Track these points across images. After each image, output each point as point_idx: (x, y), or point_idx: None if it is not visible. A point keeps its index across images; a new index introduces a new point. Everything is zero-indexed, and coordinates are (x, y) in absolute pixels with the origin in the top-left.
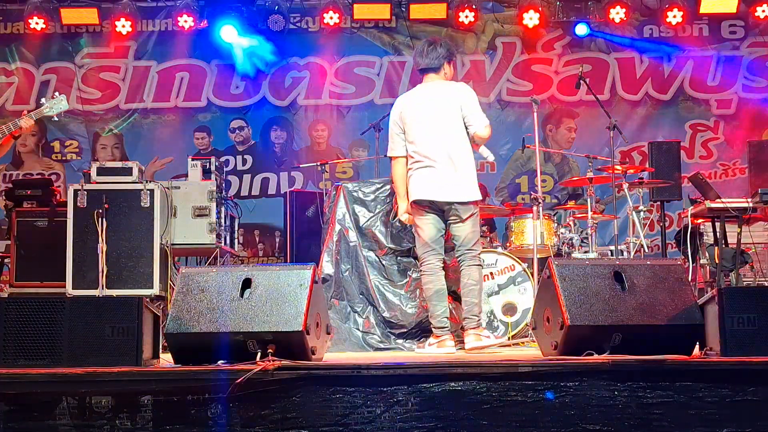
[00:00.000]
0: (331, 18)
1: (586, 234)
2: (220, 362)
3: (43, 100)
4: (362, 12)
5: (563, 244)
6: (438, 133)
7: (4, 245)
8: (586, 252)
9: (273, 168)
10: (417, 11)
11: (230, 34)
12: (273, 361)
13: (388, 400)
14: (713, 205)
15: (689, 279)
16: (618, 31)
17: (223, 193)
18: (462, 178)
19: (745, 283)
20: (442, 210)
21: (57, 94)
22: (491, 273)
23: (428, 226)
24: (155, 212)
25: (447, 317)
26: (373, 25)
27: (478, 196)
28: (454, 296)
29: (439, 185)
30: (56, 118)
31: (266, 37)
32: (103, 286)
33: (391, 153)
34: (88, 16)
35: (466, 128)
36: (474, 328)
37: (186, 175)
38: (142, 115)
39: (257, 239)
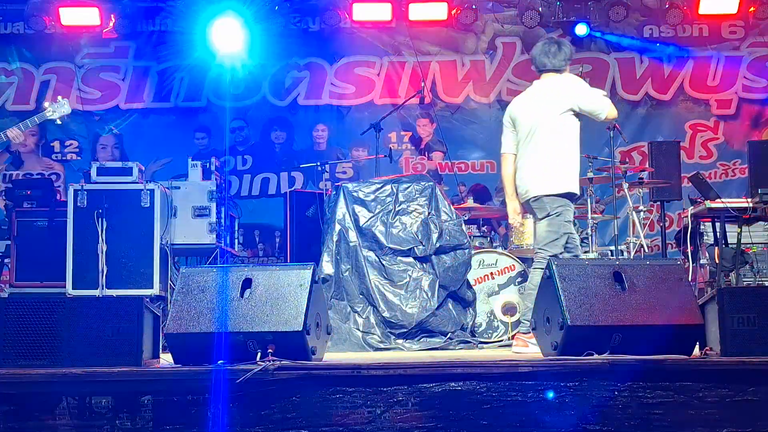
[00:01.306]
0: (331, 18)
1: (586, 234)
2: (220, 362)
3: (46, 103)
4: (362, 12)
5: None
6: (531, 133)
7: (4, 245)
8: (586, 252)
9: (273, 168)
10: (417, 11)
11: (226, 33)
12: (273, 361)
13: (388, 400)
14: (713, 205)
15: (689, 279)
16: (618, 31)
17: (223, 193)
18: (539, 173)
19: (745, 283)
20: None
21: (60, 98)
22: (491, 273)
23: (529, 232)
24: (155, 212)
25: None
26: (373, 25)
27: (549, 190)
28: (454, 297)
29: (521, 186)
30: (59, 122)
31: (266, 36)
32: (103, 286)
33: (501, 150)
34: (88, 16)
35: (577, 118)
36: (524, 333)
37: (186, 175)
38: (142, 115)
39: (257, 239)
